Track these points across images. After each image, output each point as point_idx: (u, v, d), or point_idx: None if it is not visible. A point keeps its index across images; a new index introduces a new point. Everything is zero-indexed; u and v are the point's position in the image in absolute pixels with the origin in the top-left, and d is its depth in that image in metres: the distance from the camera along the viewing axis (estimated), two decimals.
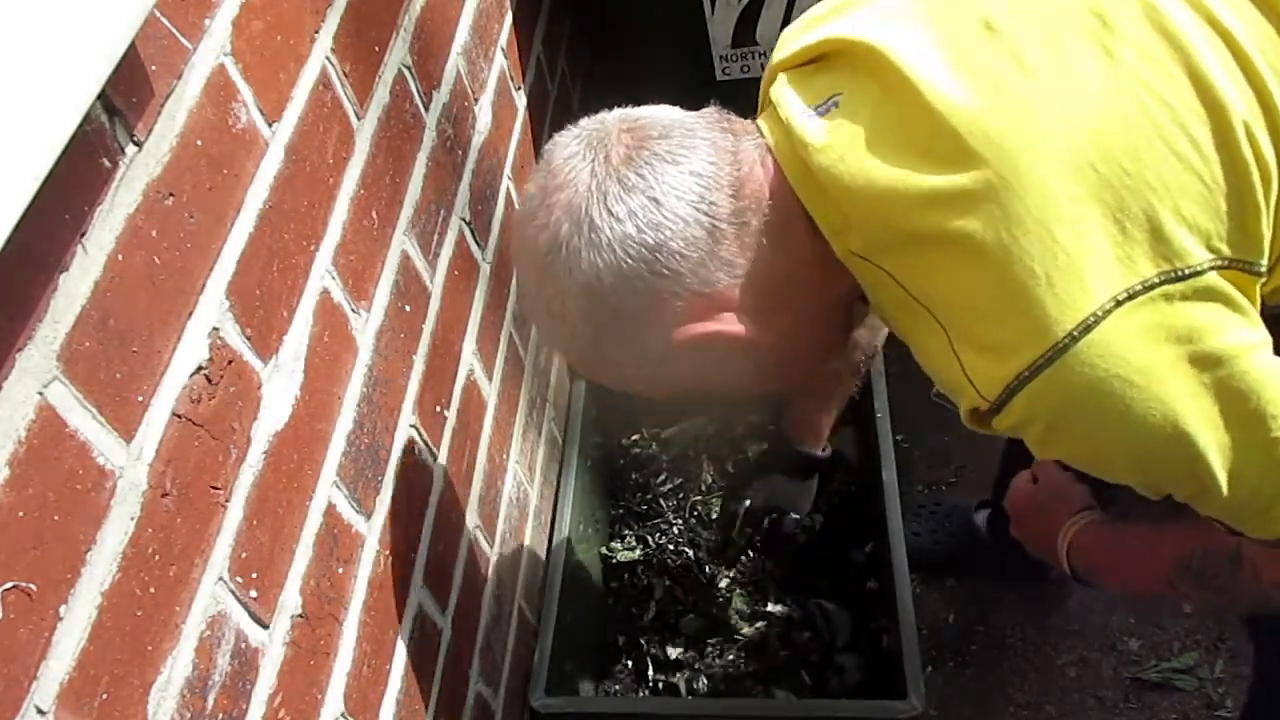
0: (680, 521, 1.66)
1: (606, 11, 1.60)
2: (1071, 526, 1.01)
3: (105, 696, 0.56)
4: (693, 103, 1.76)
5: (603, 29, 1.66)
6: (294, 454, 0.77)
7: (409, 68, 1.01)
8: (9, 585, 0.50)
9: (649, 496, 1.69)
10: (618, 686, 1.52)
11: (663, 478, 1.71)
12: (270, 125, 0.76)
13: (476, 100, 1.21)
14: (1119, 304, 0.68)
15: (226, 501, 0.69)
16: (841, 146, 0.77)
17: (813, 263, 0.82)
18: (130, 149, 0.61)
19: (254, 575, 0.71)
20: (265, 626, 0.72)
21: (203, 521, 0.66)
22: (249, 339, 0.72)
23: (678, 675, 1.50)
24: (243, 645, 0.70)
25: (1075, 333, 0.68)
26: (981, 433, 0.77)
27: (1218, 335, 0.69)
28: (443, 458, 1.06)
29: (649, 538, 1.64)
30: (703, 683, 1.48)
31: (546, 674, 1.26)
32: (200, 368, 0.66)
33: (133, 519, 0.60)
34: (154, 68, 0.63)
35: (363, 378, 0.89)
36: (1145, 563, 0.94)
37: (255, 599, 0.71)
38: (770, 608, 1.53)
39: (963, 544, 1.72)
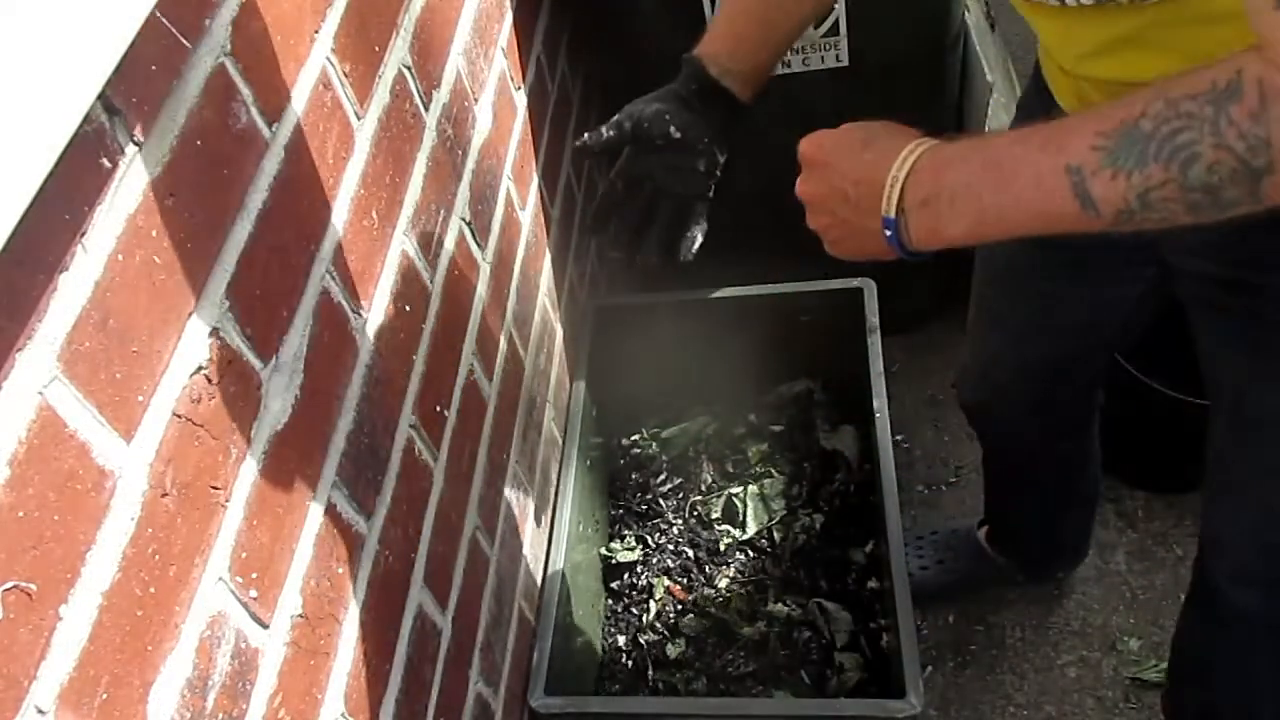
0: (680, 521, 1.66)
1: (606, 11, 1.60)
2: (915, 149, 0.74)
3: (105, 696, 0.56)
4: None
5: (602, 29, 1.66)
6: (294, 454, 0.77)
7: (409, 68, 1.01)
8: (9, 585, 0.50)
9: (649, 496, 1.70)
10: (618, 686, 1.52)
11: (663, 478, 1.72)
12: (270, 125, 0.76)
13: (476, 100, 1.21)
14: None
15: (226, 501, 0.69)
16: None
17: None
18: (130, 149, 0.61)
19: (254, 575, 0.71)
20: (265, 626, 0.73)
21: (203, 521, 0.66)
22: (249, 339, 0.72)
23: (678, 675, 1.50)
24: (243, 645, 0.70)
25: None
26: None
27: None
28: (443, 458, 1.06)
29: (649, 538, 1.65)
30: (703, 683, 1.48)
31: (546, 674, 1.26)
32: (200, 368, 0.66)
33: (133, 519, 0.60)
34: (154, 68, 0.63)
35: (363, 378, 0.89)
36: (1041, 160, 0.67)
37: (255, 599, 0.71)
38: (770, 608, 1.53)
39: (972, 566, 1.70)
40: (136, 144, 0.61)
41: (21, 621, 0.51)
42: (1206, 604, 1.22)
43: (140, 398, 0.61)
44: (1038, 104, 1.04)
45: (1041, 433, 1.44)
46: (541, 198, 1.47)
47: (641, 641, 1.54)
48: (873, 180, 0.75)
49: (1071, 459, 1.50)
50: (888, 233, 0.76)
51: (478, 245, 1.20)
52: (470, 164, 1.18)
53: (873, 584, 1.52)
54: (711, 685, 1.48)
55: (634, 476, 1.73)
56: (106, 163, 0.59)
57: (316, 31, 0.83)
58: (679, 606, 1.56)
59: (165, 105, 0.64)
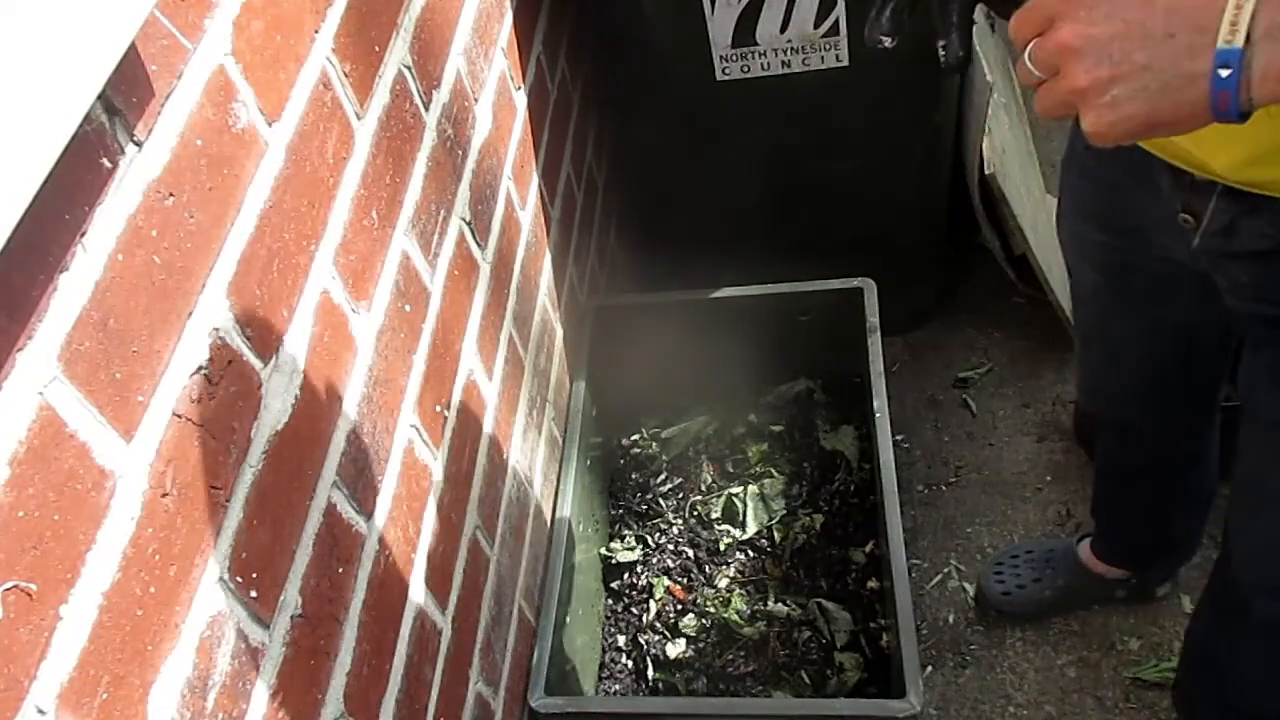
0: (680, 521, 1.66)
1: (607, 12, 1.60)
2: None
3: (105, 696, 0.56)
4: (693, 103, 1.77)
5: (603, 29, 1.66)
6: (294, 454, 0.77)
7: (409, 68, 1.01)
8: (9, 585, 0.50)
9: (649, 496, 1.70)
10: (618, 686, 1.52)
11: (663, 478, 1.72)
12: (270, 125, 0.76)
13: (476, 100, 1.21)
14: None
15: (226, 501, 0.69)
16: None
17: None
18: (130, 149, 0.61)
19: (254, 575, 0.71)
20: (265, 626, 0.73)
21: (203, 521, 0.66)
22: (249, 339, 0.72)
23: (678, 675, 1.50)
24: (243, 645, 0.70)
25: None
26: None
27: None
28: (443, 458, 1.06)
29: (649, 538, 1.65)
30: (702, 683, 1.48)
31: (546, 674, 1.26)
32: (200, 368, 0.66)
33: (133, 519, 0.60)
34: (154, 68, 0.63)
35: (363, 378, 0.89)
36: None
37: (255, 599, 0.71)
38: (770, 607, 1.53)
39: (1075, 580, 1.65)
40: (136, 144, 0.61)
41: (21, 621, 0.51)
42: (1230, 610, 1.22)
43: (140, 398, 0.61)
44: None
45: (1162, 433, 1.41)
46: (541, 198, 1.47)
47: (641, 641, 1.54)
48: (1198, 3, 0.55)
49: (1190, 458, 1.46)
50: (1223, 73, 0.54)
51: (478, 245, 1.20)
52: (470, 164, 1.18)
53: (873, 584, 1.52)
54: (711, 685, 1.48)
55: (634, 476, 1.73)
56: (106, 163, 0.59)
57: (316, 31, 0.83)
58: (679, 606, 1.56)
59: (165, 105, 0.64)
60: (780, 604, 1.53)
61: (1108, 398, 1.42)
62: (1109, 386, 1.40)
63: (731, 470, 1.72)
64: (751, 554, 1.61)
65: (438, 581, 1.03)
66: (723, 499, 1.66)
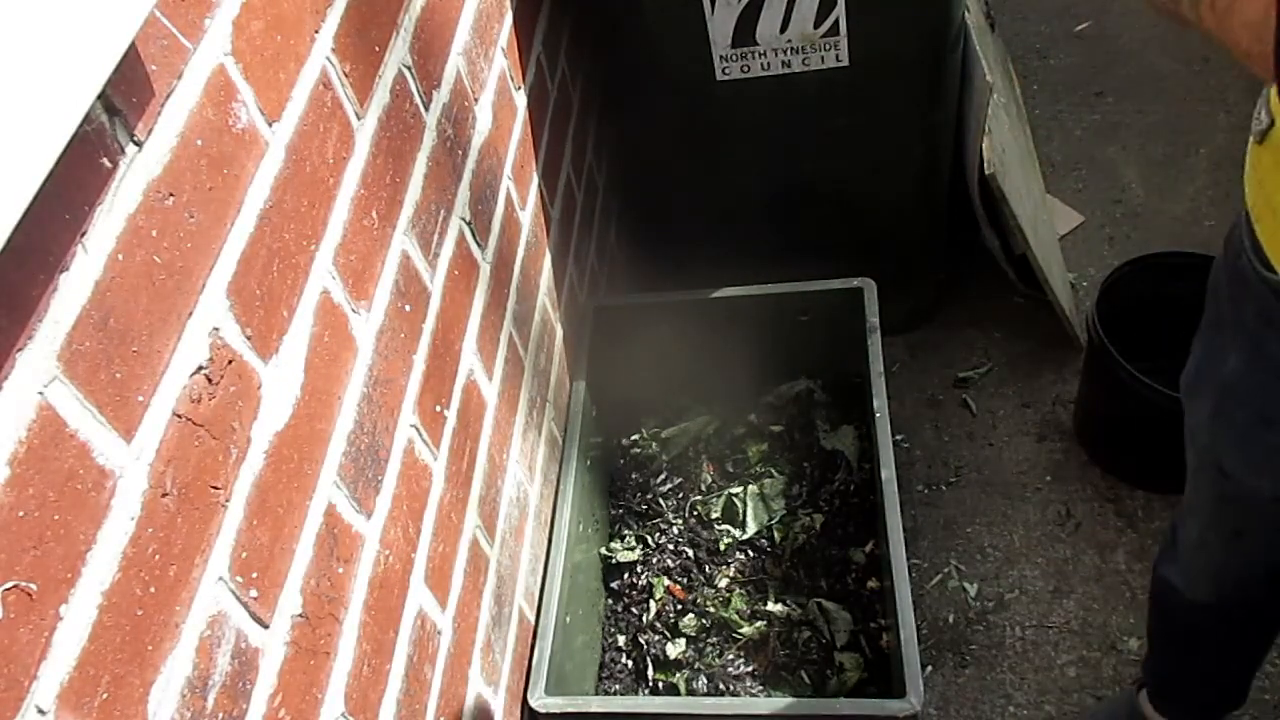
0: (680, 521, 1.66)
1: (606, 12, 1.60)
2: None
3: (105, 696, 0.56)
4: (693, 103, 1.77)
5: (603, 29, 1.66)
6: (294, 454, 0.77)
7: (409, 68, 1.01)
8: (9, 585, 0.50)
9: (649, 496, 1.69)
10: (618, 686, 1.52)
11: (663, 478, 1.72)
12: (270, 125, 0.76)
13: (476, 100, 1.21)
14: None
15: (226, 501, 0.69)
16: None
17: None
18: (130, 149, 0.61)
19: (254, 575, 0.71)
20: (265, 626, 0.73)
21: (203, 521, 0.66)
22: (249, 339, 0.72)
23: (678, 675, 1.50)
24: (243, 645, 0.70)
25: None
26: None
27: None
28: (443, 458, 1.06)
29: (649, 538, 1.65)
30: (702, 682, 1.48)
31: (546, 674, 1.26)
32: (200, 368, 0.66)
33: (133, 519, 0.60)
34: (154, 68, 0.63)
35: (363, 378, 0.89)
36: None
37: (255, 599, 0.71)
38: (770, 607, 1.53)
39: None
40: (136, 144, 0.61)
41: (21, 621, 0.51)
42: None
43: (140, 398, 0.61)
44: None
45: (1258, 607, 1.31)
46: (541, 198, 1.47)
47: (641, 641, 1.54)
48: None
49: (1272, 626, 1.38)
50: None
51: (478, 245, 1.20)
52: (470, 164, 1.18)
53: (873, 584, 1.52)
54: (711, 685, 1.48)
55: (634, 476, 1.73)
56: (106, 163, 0.59)
57: (316, 31, 0.83)
58: (679, 606, 1.56)
59: (165, 105, 0.64)
60: (780, 604, 1.53)
61: (1218, 587, 1.28)
62: (1232, 575, 1.25)
63: (731, 470, 1.72)
64: (751, 554, 1.61)
65: (438, 581, 1.03)
66: (723, 499, 1.66)
